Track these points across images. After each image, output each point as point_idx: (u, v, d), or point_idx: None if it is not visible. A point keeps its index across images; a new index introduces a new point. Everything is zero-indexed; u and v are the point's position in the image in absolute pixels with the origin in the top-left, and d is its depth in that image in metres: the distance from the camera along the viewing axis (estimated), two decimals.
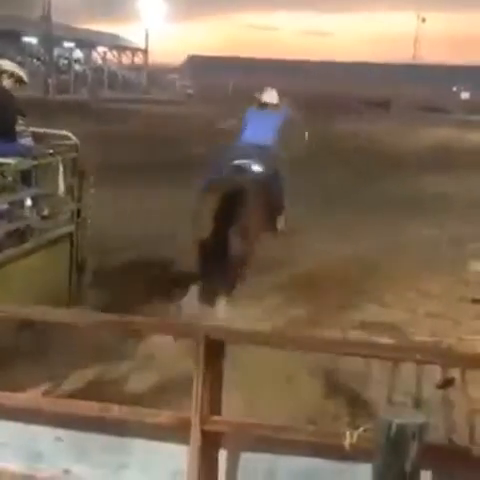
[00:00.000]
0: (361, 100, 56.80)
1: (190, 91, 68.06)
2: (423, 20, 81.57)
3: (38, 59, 59.77)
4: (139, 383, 6.26)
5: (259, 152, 8.06)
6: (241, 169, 7.89)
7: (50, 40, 59.17)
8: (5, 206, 7.37)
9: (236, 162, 7.89)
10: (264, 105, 8.93)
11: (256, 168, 7.91)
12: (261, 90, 9.19)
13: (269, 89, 9.16)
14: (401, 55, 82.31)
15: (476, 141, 32.37)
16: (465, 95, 72.53)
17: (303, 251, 10.76)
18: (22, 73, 7.91)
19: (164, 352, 6.68)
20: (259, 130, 8.34)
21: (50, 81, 55.17)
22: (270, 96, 9.03)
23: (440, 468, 3.74)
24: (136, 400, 5.61)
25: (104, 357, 6.64)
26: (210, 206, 7.33)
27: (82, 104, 42.39)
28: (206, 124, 31.98)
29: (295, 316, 7.89)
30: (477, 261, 9.72)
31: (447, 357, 4.17)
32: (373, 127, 34.72)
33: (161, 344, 6.70)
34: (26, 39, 60.83)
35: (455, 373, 6.46)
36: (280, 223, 8.60)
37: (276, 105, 8.97)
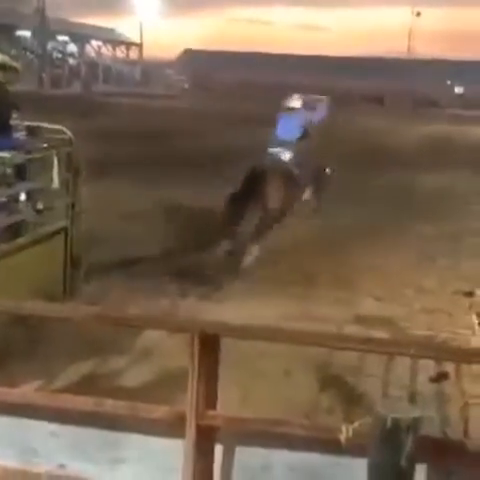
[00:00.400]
0: (356, 94, 56.77)
1: (185, 85, 67.96)
2: (418, 14, 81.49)
3: (32, 53, 59.59)
4: (134, 378, 6.26)
5: (286, 144, 10.69)
6: (272, 155, 10.59)
7: (44, 34, 59.03)
8: (3, 199, 7.36)
9: (269, 150, 10.67)
10: (290, 109, 11.46)
11: (283, 155, 10.57)
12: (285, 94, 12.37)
13: (294, 96, 11.87)
14: (396, 49, 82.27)
15: (471, 136, 32.40)
16: (459, 90, 72.56)
17: (299, 244, 10.83)
18: (15, 63, 7.90)
19: (160, 346, 6.68)
20: (286, 129, 10.89)
21: (44, 75, 55.04)
22: (294, 102, 11.66)
23: (435, 461, 3.74)
24: (131, 395, 5.61)
25: (99, 351, 6.63)
26: (247, 175, 10.16)
27: (76, 98, 42.32)
28: (200, 118, 31.99)
29: (290, 310, 7.90)
30: None
31: (441, 351, 4.17)
32: (367, 121, 34.71)
33: (157, 338, 6.70)
34: (20, 33, 60.66)
35: (449, 367, 6.48)
36: (306, 194, 11.21)
37: (299, 108, 11.53)
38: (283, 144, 10.66)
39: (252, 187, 9.96)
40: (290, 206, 10.43)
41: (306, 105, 11.98)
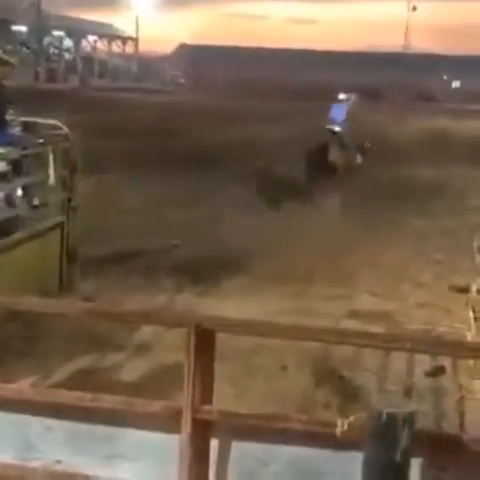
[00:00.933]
0: (351, 89, 56.57)
1: (181, 80, 67.83)
2: (414, 9, 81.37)
3: (28, 47, 59.38)
4: (131, 372, 6.26)
5: (337, 123, 17.22)
6: (330, 130, 17.07)
7: (40, 28, 58.84)
8: (1, 194, 7.36)
9: (327, 127, 17.18)
10: (340, 100, 18.43)
11: (337, 129, 16.97)
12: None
13: (342, 92, 19.10)
14: (392, 44, 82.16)
15: (468, 130, 32.38)
16: (456, 84, 72.56)
17: (293, 240, 10.85)
18: (9, 58, 7.90)
19: (156, 341, 6.69)
20: (337, 113, 17.54)
21: (40, 69, 54.89)
22: (342, 95, 18.83)
23: (430, 456, 3.75)
24: (127, 389, 5.62)
25: (96, 347, 6.64)
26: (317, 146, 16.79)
27: (72, 93, 42.20)
28: (194, 114, 31.95)
29: (287, 305, 7.91)
30: None
31: (437, 346, 4.18)
32: (363, 115, 34.61)
33: (153, 333, 6.71)
34: (16, 27, 60.43)
35: (445, 361, 6.50)
36: (358, 159, 17.55)
37: (346, 99, 18.48)
38: (335, 123, 17.17)
39: (321, 153, 16.50)
40: (347, 163, 16.73)
41: (347, 98, 18.76)
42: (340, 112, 17.48)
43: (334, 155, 16.57)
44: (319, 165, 15.89)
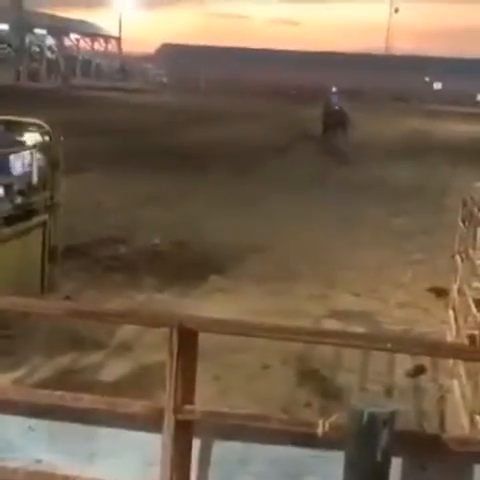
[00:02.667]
0: (332, 90, 56.66)
1: (164, 79, 67.69)
2: (396, 10, 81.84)
3: (9, 46, 59.00)
4: (112, 372, 6.25)
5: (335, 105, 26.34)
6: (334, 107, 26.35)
7: (21, 27, 58.46)
8: None
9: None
10: (332, 93, 27.23)
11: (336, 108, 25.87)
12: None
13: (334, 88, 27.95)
14: (374, 45, 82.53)
15: (449, 131, 32.56)
16: (437, 85, 72.94)
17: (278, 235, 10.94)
18: None
19: (138, 341, 6.69)
20: (333, 100, 26.65)
21: (21, 68, 54.56)
22: (332, 90, 27.55)
23: (411, 455, 3.78)
24: (109, 389, 5.61)
25: (77, 346, 6.62)
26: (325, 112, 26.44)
27: (54, 92, 42.04)
28: (174, 113, 31.93)
29: (269, 305, 7.93)
30: None
31: (417, 346, 4.21)
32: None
33: (135, 333, 6.70)
34: None
35: (426, 361, 6.54)
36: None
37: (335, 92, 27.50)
38: (334, 105, 25.88)
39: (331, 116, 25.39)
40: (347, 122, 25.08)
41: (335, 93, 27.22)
42: (335, 100, 26.55)
43: (339, 120, 25.23)
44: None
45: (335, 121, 24.93)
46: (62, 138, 8.17)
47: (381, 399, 4.32)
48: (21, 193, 7.80)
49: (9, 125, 8.03)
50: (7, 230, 7.47)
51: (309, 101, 37.97)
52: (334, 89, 27.51)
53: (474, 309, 5.84)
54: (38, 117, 8.39)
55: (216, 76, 62.49)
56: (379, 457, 3.39)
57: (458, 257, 7.22)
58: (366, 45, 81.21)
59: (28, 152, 7.87)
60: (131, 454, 4.02)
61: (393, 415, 3.43)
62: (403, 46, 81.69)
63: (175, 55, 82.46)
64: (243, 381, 6.19)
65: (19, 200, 7.76)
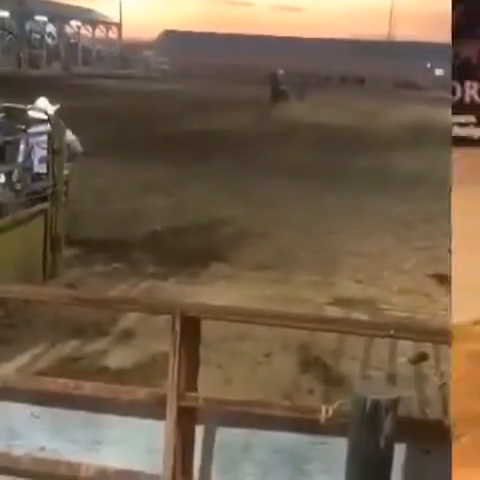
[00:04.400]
0: (336, 76, 56.66)
1: (165, 67, 67.46)
2: None
3: (10, 33, 58.79)
4: (116, 359, 6.26)
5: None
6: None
7: (22, 14, 58.25)
8: None
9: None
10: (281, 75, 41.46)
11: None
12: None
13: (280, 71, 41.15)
14: (376, 32, 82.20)
15: (447, 117, 32.33)
16: (439, 72, 72.61)
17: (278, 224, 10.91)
18: None
19: (141, 328, 6.69)
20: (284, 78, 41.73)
21: (22, 55, 54.42)
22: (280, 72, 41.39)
23: (414, 441, 3.79)
24: (112, 376, 5.62)
25: (80, 334, 6.62)
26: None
27: (54, 79, 41.89)
28: (176, 102, 31.84)
29: (271, 292, 7.93)
30: None
31: (420, 332, 4.21)
32: (348, 102, 34.73)
33: (138, 320, 6.71)
34: None
35: (428, 348, 6.54)
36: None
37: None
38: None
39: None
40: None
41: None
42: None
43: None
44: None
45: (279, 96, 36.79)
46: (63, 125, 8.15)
47: (384, 386, 4.32)
48: (22, 181, 7.79)
49: (10, 112, 8.00)
50: (8, 217, 7.47)
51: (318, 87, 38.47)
52: (281, 72, 39.73)
53: None
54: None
55: (218, 64, 62.29)
56: (382, 443, 3.40)
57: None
58: (368, 32, 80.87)
59: (29, 139, 7.85)
60: (134, 441, 4.03)
61: (396, 402, 3.44)
62: (405, 32, 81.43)
63: (177, 42, 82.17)
64: (246, 368, 6.19)
65: (20, 187, 7.76)
